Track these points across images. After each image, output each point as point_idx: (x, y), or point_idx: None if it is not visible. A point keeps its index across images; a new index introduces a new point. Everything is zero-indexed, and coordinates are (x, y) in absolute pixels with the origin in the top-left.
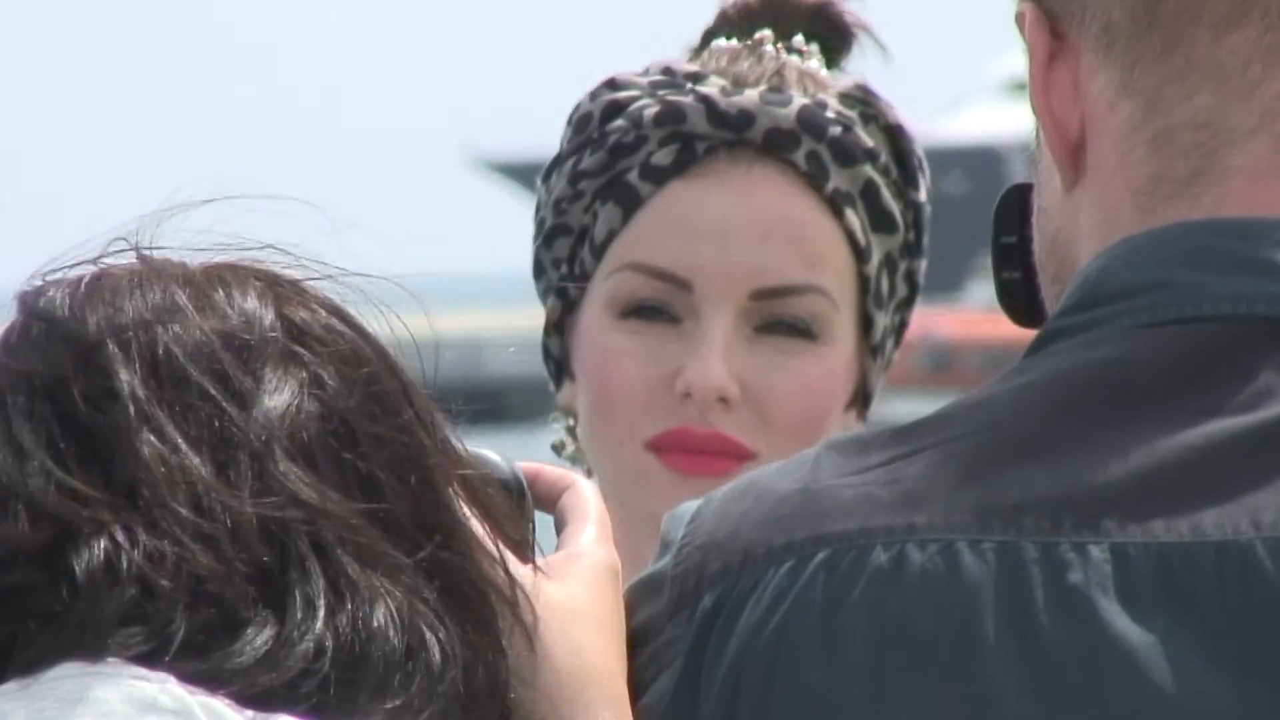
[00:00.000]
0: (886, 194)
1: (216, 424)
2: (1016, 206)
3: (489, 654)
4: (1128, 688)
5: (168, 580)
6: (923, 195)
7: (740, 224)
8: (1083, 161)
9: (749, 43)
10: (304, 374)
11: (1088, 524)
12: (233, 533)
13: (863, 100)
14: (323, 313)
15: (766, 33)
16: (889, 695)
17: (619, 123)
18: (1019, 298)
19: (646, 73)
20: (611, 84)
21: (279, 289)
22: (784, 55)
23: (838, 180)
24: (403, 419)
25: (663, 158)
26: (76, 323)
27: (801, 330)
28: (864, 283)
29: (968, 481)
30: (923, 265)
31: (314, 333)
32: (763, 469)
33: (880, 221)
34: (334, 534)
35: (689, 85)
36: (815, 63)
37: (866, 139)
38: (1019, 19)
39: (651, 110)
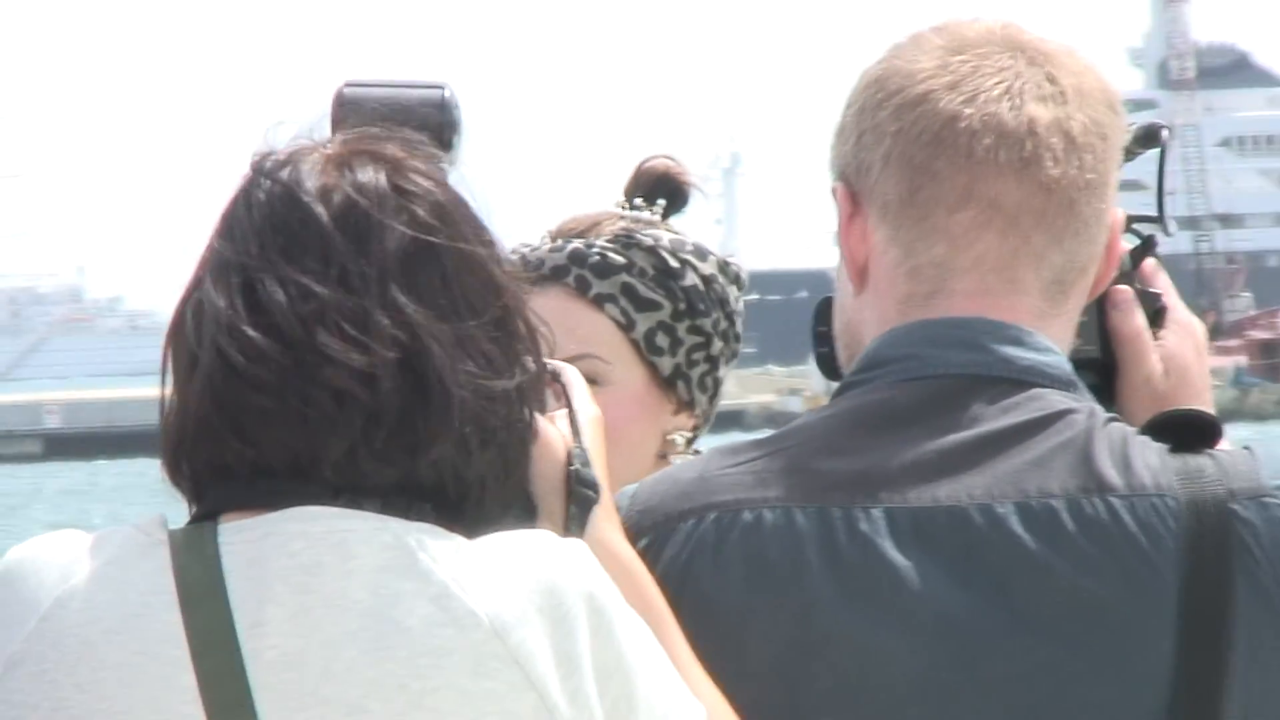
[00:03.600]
0: (643, 288)
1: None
2: (825, 309)
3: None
4: (897, 592)
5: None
6: (689, 280)
7: None
8: (866, 280)
9: (617, 204)
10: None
11: (871, 497)
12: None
13: (625, 237)
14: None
15: (619, 199)
16: (753, 600)
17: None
18: (828, 365)
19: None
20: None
21: (395, 163)
22: (625, 212)
23: (599, 288)
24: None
25: None
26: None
27: (588, 380)
28: (635, 344)
29: (798, 472)
30: (708, 321)
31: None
32: (675, 465)
33: (642, 305)
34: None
35: (530, 245)
36: (647, 214)
37: (620, 259)
38: (833, 191)
39: None
